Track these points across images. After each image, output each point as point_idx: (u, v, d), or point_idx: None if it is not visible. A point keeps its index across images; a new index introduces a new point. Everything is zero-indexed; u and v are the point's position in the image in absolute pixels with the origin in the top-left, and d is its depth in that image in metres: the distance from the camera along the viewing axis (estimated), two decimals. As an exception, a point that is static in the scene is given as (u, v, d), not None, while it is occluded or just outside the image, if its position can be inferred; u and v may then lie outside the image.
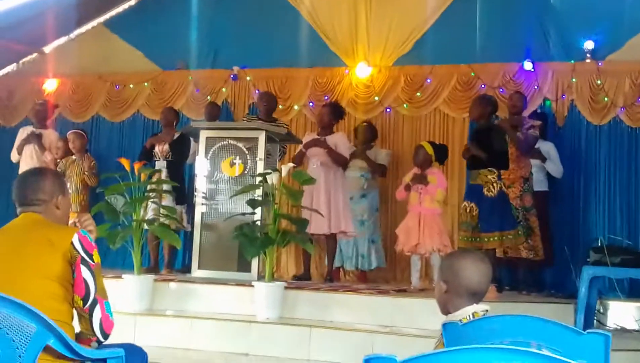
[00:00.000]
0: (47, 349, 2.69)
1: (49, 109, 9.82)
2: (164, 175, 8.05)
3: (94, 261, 2.97)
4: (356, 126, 8.98)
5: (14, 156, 9.47)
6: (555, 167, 8.05)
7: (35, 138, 9.34)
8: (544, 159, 7.95)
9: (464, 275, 2.82)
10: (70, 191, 8.26)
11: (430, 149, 7.55)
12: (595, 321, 6.64)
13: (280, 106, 9.11)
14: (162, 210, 7.12)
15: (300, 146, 7.98)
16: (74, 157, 9.20)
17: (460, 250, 6.50)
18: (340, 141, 7.83)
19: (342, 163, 7.81)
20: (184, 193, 8.17)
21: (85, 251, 2.95)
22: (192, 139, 8.24)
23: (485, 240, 6.98)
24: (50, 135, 9.51)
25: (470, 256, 2.92)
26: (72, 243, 2.93)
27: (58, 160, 9.27)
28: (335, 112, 8.01)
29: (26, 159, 9.26)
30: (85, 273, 2.92)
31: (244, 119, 8.94)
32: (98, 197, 7.65)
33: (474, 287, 2.83)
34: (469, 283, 2.82)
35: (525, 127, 7.68)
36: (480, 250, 6.72)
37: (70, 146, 9.23)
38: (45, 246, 2.94)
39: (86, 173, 9.01)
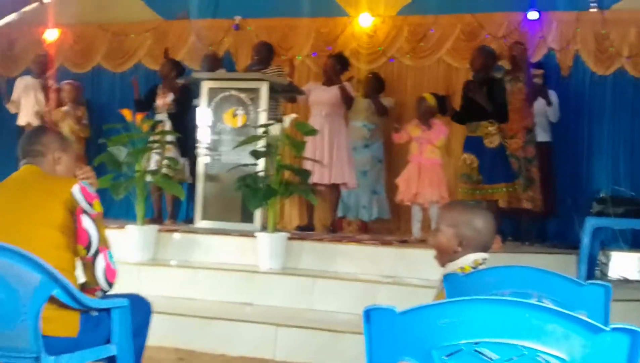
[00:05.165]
0: (52, 299, 2.71)
1: (49, 60, 9.75)
2: (166, 127, 8.01)
3: (95, 211, 2.96)
4: (363, 77, 8.87)
5: (11, 106, 9.44)
6: (553, 113, 7.99)
7: (35, 89, 9.25)
8: (550, 102, 7.84)
9: (481, 229, 2.82)
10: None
11: (432, 101, 7.48)
12: (597, 272, 6.66)
13: (282, 57, 9.04)
14: (164, 161, 7.11)
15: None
16: (65, 108, 9.07)
17: (466, 203, 6.47)
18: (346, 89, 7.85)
19: (350, 105, 7.89)
20: (186, 144, 8.08)
21: (86, 201, 2.94)
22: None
23: (490, 191, 6.98)
24: (50, 85, 9.40)
25: (484, 210, 2.93)
26: (72, 193, 2.93)
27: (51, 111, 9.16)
28: (340, 63, 7.99)
29: (26, 110, 9.24)
30: (86, 222, 2.93)
31: (248, 70, 8.78)
32: (99, 148, 7.63)
33: (487, 241, 2.84)
34: (484, 236, 2.82)
35: (528, 76, 7.63)
36: (482, 202, 6.74)
37: (63, 96, 9.16)
38: (46, 195, 2.95)
39: (76, 124, 8.96)
